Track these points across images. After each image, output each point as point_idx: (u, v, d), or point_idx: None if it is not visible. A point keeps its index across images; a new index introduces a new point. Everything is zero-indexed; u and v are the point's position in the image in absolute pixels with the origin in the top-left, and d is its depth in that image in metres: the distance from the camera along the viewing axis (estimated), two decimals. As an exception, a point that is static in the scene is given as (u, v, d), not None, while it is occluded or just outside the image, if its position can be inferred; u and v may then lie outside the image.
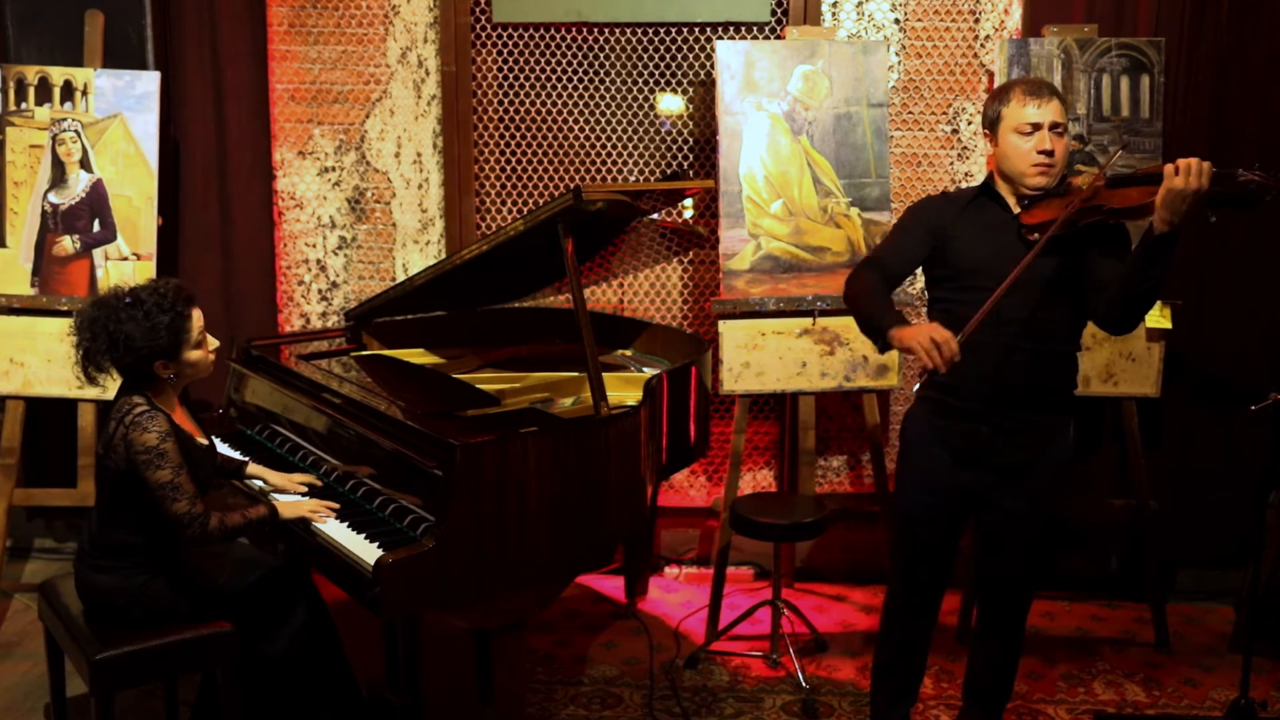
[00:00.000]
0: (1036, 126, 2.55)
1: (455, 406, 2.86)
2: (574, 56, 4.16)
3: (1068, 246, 2.53)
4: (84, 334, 2.57)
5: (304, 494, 2.81)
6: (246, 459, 2.99)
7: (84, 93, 3.91)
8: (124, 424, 2.53)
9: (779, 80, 3.75)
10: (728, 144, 3.73)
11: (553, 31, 4.14)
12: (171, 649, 2.60)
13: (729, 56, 3.74)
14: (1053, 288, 2.56)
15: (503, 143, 4.25)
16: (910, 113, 4.04)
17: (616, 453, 2.71)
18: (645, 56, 4.13)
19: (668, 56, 4.13)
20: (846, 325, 3.74)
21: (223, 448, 3.19)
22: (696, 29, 4.09)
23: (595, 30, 4.13)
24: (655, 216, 3.78)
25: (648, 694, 3.38)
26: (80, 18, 3.95)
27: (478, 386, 3.07)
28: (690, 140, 4.21)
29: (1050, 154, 2.55)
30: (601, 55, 4.16)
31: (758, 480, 4.34)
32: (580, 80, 4.18)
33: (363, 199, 4.21)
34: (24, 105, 3.91)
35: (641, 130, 4.20)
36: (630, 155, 4.22)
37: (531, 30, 4.13)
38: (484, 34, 4.15)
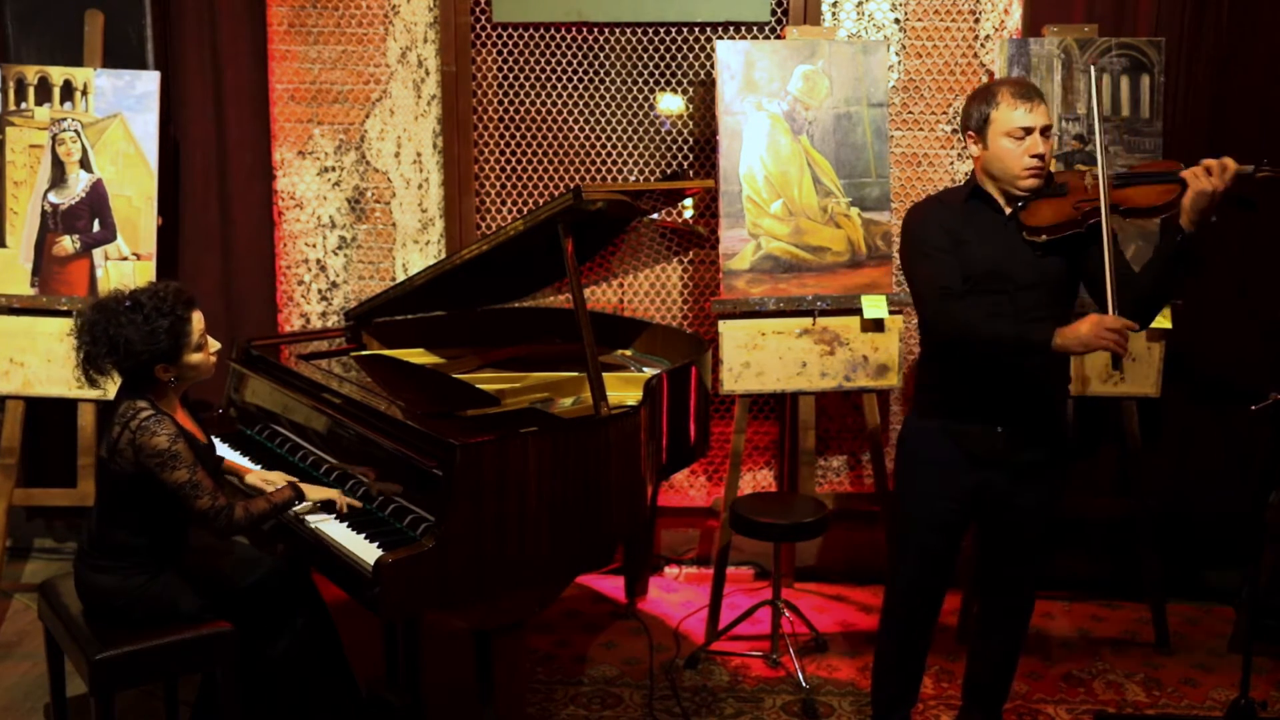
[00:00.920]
0: (1029, 131, 2.54)
1: (455, 406, 2.86)
2: (574, 56, 4.16)
3: (1069, 245, 2.54)
4: (84, 337, 2.57)
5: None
6: (221, 457, 2.97)
7: (84, 92, 3.91)
8: (130, 429, 2.53)
9: (779, 80, 3.75)
10: (728, 144, 3.73)
11: (553, 31, 4.14)
12: (171, 649, 2.60)
13: (729, 56, 3.74)
14: (1060, 286, 2.58)
15: (503, 143, 4.25)
16: (910, 112, 4.04)
17: (616, 453, 2.71)
18: (645, 56, 4.13)
19: (668, 56, 4.13)
20: (846, 325, 3.74)
21: (222, 448, 3.19)
22: (696, 29, 4.09)
23: (595, 30, 4.13)
24: (655, 216, 3.78)
25: (648, 694, 3.38)
26: (80, 17, 3.95)
27: (478, 386, 3.07)
28: (690, 140, 4.21)
29: (1041, 158, 2.55)
30: (601, 55, 4.16)
31: (758, 480, 4.34)
32: (580, 80, 4.18)
33: (363, 199, 4.21)
34: (24, 105, 3.91)
35: (641, 130, 4.20)
36: (630, 155, 4.21)
37: (531, 30, 4.13)
38: (484, 34, 4.15)
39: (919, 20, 4.00)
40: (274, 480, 2.82)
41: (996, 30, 3.96)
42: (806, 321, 3.74)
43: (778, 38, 4.01)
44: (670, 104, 4.22)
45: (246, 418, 3.37)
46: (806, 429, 3.90)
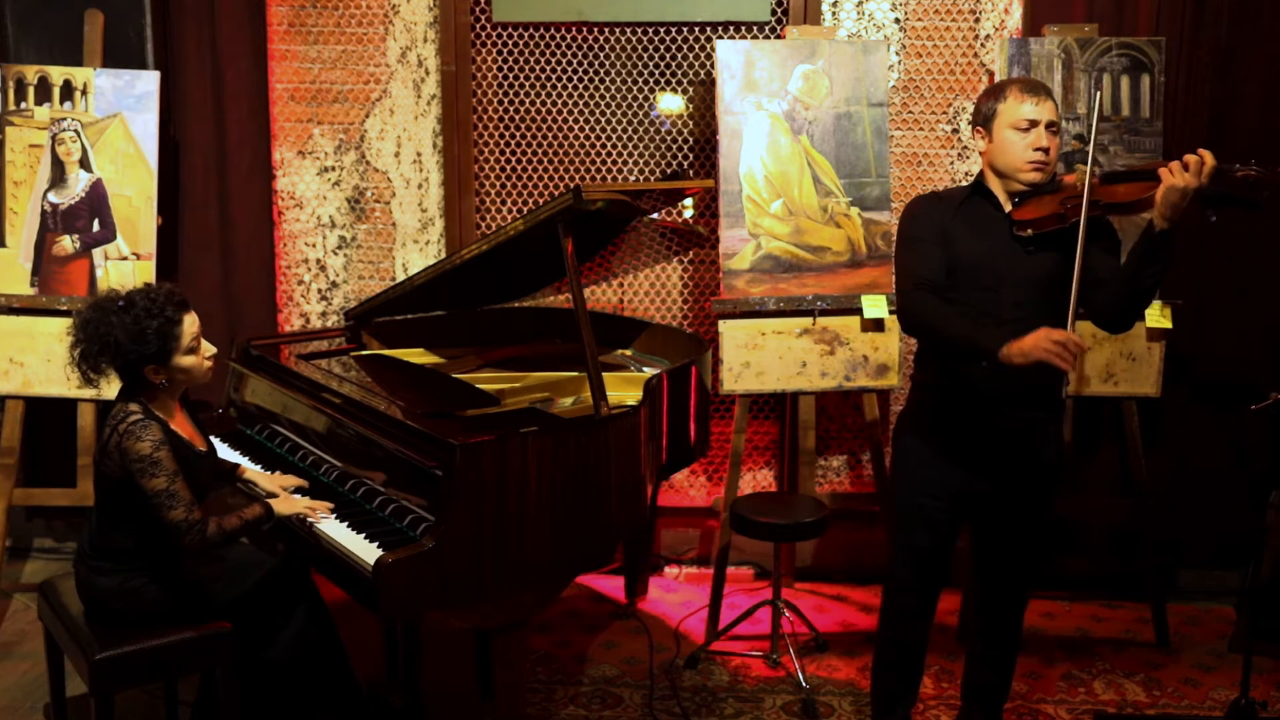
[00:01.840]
0: (1034, 123, 2.56)
1: (455, 406, 2.85)
2: (574, 56, 4.16)
3: (1062, 243, 2.54)
4: (78, 335, 2.57)
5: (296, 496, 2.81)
6: (238, 464, 2.98)
7: (83, 92, 3.90)
8: (118, 432, 2.53)
9: (779, 80, 3.75)
10: (728, 143, 3.73)
11: (553, 31, 4.14)
12: (171, 649, 2.60)
13: (729, 56, 3.74)
14: (1049, 285, 2.57)
15: (503, 142, 4.25)
16: (910, 112, 4.04)
17: (616, 452, 2.71)
18: (645, 56, 4.13)
19: (668, 56, 4.12)
20: (846, 325, 3.74)
21: (222, 448, 3.19)
22: (696, 28, 4.09)
23: (595, 30, 4.13)
24: (655, 216, 3.78)
25: (648, 694, 3.37)
26: (80, 17, 3.95)
27: (478, 386, 3.07)
28: (690, 140, 4.21)
29: (1046, 151, 2.56)
30: (601, 55, 4.16)
31: (758, 480, 4.34)
32: (580, 80, 4.18)
33: (362, 199, 4.21)
34: (23, 105, 3.91)
35: (641, 130, 4.20)
36: (630, 155, 4.21)
37: (531, 30, 4.13)
38: (484, 33, 4.15)
39: (919, 20, 4.00)
40: (287, 484, 2.83)
41: (996, 30, 3.96)
42: (806, 321, 3.74)
43: (778, 37, 4.01)
44: (670, 104, 4.22)
45: (246, 417, 3.37)
46: (806, 429, 3.90)
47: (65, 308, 3.85)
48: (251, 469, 2.96)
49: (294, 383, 3.15)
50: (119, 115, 3.90)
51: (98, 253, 3.91)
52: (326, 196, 4.21)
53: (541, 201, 4.13)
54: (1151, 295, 2.53)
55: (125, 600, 2.61)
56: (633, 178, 4.23)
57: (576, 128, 4.21)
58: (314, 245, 4.23)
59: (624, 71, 4.16)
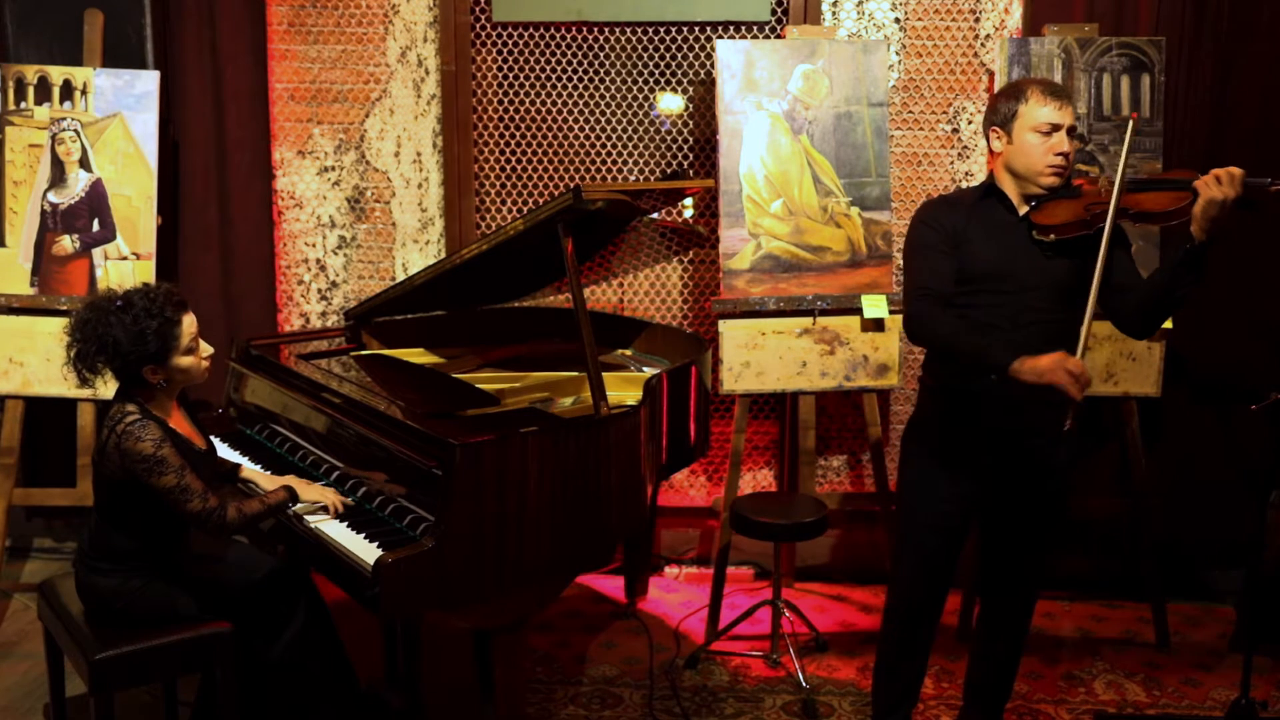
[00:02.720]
0: (1056, 127, 2.54)
1: (455, 406, 2.85)
2: (574, 56, 4.16)
3: (1079, 248, 2.54)
4: (75, 335, 2.57)
5: None
6: (239, 464, 2.98)
7: (83, 92, 3.90)
8: (116, 433, 2.52)
9: (779, 79, 3.75)
10: (728, 143, 3.73)
11: (552, 31, 4.14)
12: (171, 649, 2.60)
13: (729, 56, 3.74)
14: (1065, 289, 2.56)
15: (503, 142, 4.25)
16: (910, 112, 4.04)
17: (616, 452, 2.71)
18: (645, 56, 4.13)
19: (668, 56, 4.12)
20: (846, 325, 3.74)
21: (222, 448, 3.19)
22: (696, 28, 4.09)
23: (595, 29, 4.13)
24: (655, 216, 3.78)
25: (648, 694, 3.37)
26: (80, 17, 3.95)
27: (477, 386, 3.07)
28: (690, 140, 4.21)
29: (1065, 156, 2.55)
30: (601, 55, 4.15)
31: (758, 480, 4.34)
32: (580, 80, 4.18)
33: (362, 198, 4.21)
34: (23, 104, 3.91)
35: (641, 130, 4.20)
36: (630, 155, 4.21)
37: (531, 29, 4.13)
38: (484, 33, 4.15)
39: (919, 20, 4.00)
40: (300, 485, 2.82)
41: (997, 30, 3.96)
42: (807, 321, 3.74)
43: (778, 37, 4.01)
44: (670, 103, 4.22)
45: (246, 417, 3.37)
46: (806, 429, 3.90)
47: (65, 308, 3.85)
48: (251, 469, 2.95)
49: (294, 382, 3.15)
50: (119, 115, 3.90)
51: (97, 252, 3.91)
52: (326, 196, 4.20)
53: (541, 201, 4.13)
54: (1182, 304, 2.53)
55: (125, 600, 2.61)
56: (633, 178, 4.22)
57: (576, 128, 4.21)
58: (314, 245, 4.23)
59: (624, 71, 4.16)
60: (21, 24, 4.09)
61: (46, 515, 4.43)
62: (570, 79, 4.17)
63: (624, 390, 3.12)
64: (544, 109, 4.21)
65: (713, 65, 3.88)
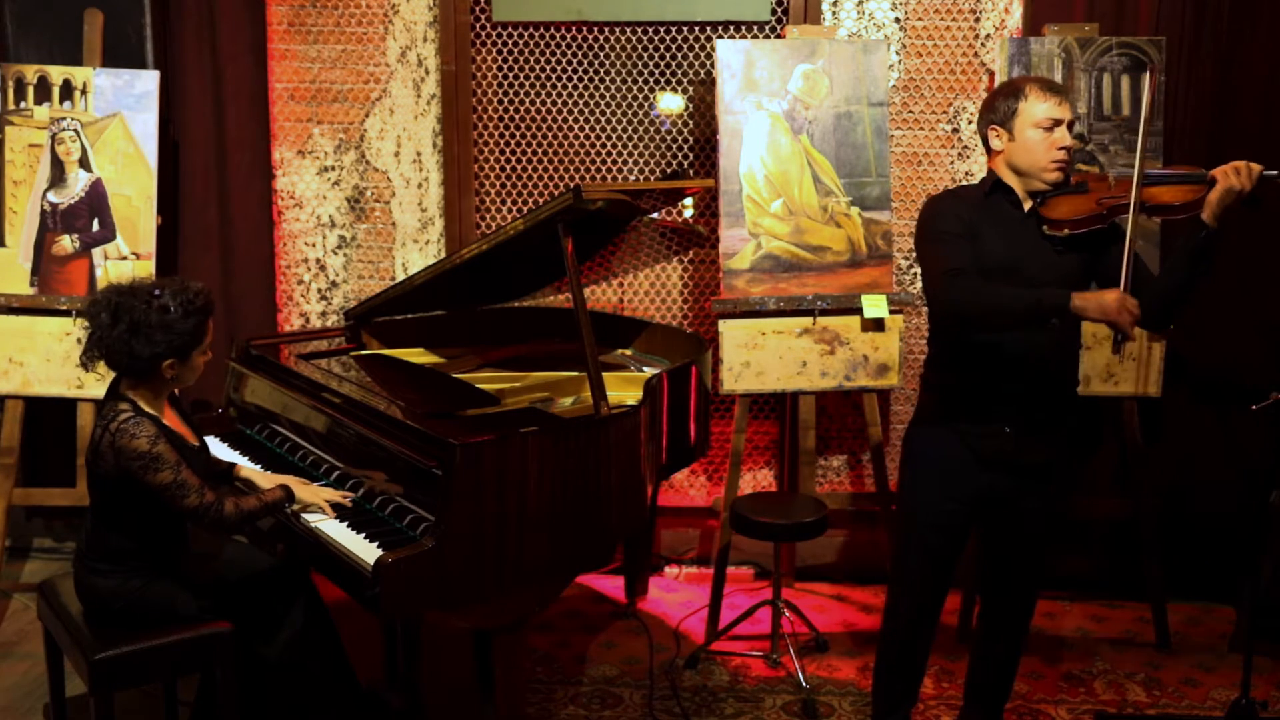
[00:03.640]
0: (1057, 122, 2.56)
1: (455, 406, 2.85)
2: (574, 56, 4.16)
3: (1090, 242, 2.54)
4: (103, 315, 2.54)
5: None
6: (234, 463, 2.97)
7: (83, 92, 3.90)
8: (110, 432, 2.52)
9: (779, 79, 3.75)
10: (728, 143, 3.73)
11: (553, 30, 4.13)
12: (171, 649, 2.60)
13: (729, 55, 3.73)
14: (1076, 284, 2.56)
15: (503, 142, 4.25)
16: (911, 112, 4.04)
17: (616, 452, 2.71)
18: (645, 56, 4.13)
19: (668, 56, 4.12)
20: (847, 324, 3.74)
21: (222, 448, 3.19)
22: (696, 28, 4.09)
23: (595, 29, 4.13)
24: (655, 216, 3.77)
25: (648, 694, 3.37)
26: (79, 17, 3.95)
27: (477, 386, 3.07)
28: (690, 139, 4.21)
29: (1067, 150, 2.56)
30: (601, 54, 4.15)
31: (758, 480, 4.34)
32: (580, 79, 4.17)
33: (362, 198, 4.21)
34: (23, 104, 3.90)
35: (641, 129, 4.20)
36: (630, 154, 4.21)
37: (531, 29, 4.13)
38: (484, 33, 4.15)
39: (919, 19, 3.99)
40: (296, 484, 2.82)
41: (997, 29, 3.96)
42: (807, 321, 3.74)
43: (778, 37, 4.00)
44: (670, 103, 4.22)
45: (246, 417, 3.37)
46: (806, 429, 3.90)
47: (65, 308, 3.85)
48: (248, 468, 2.95)
49: (294, 382, 3.15)
50: (119, 115, 3.90)
51: (97, 252, 3.90)
52: (326, 196, 4.20)
53: (541, 201, 4.13)
54: (1191, 295, 2.55)
55: (125, 601, 2.61)
56: (633, 177, 4.22)
57: (576, 128, 4.21)
58: (314, 245, 4.23)
59: (624, 71, 4.16)
60: (21, 24, 4.09)
61: (46, 515, 4.43)
62: (570, 79, 4.17)
63: (624, 390, 3.12)
64: (544, 109, 4.21)
65: (713, 65, 3.88)
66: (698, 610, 3.94)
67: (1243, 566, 3.89)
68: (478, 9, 4.11)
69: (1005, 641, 2.89)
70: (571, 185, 2.79)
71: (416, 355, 3.59)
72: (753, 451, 4.31)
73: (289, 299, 4.25)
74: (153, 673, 2.69)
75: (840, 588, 4.19)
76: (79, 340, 3.81)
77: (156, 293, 2.55)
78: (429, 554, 2.38)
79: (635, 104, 4.17)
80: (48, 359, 3.87)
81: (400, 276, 4.18)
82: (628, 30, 4.11)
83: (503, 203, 4.30)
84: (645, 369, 3.49)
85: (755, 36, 4.06)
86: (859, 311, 3.73)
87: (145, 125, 3.90)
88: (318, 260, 4.23)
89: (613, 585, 4.15)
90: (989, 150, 2.66)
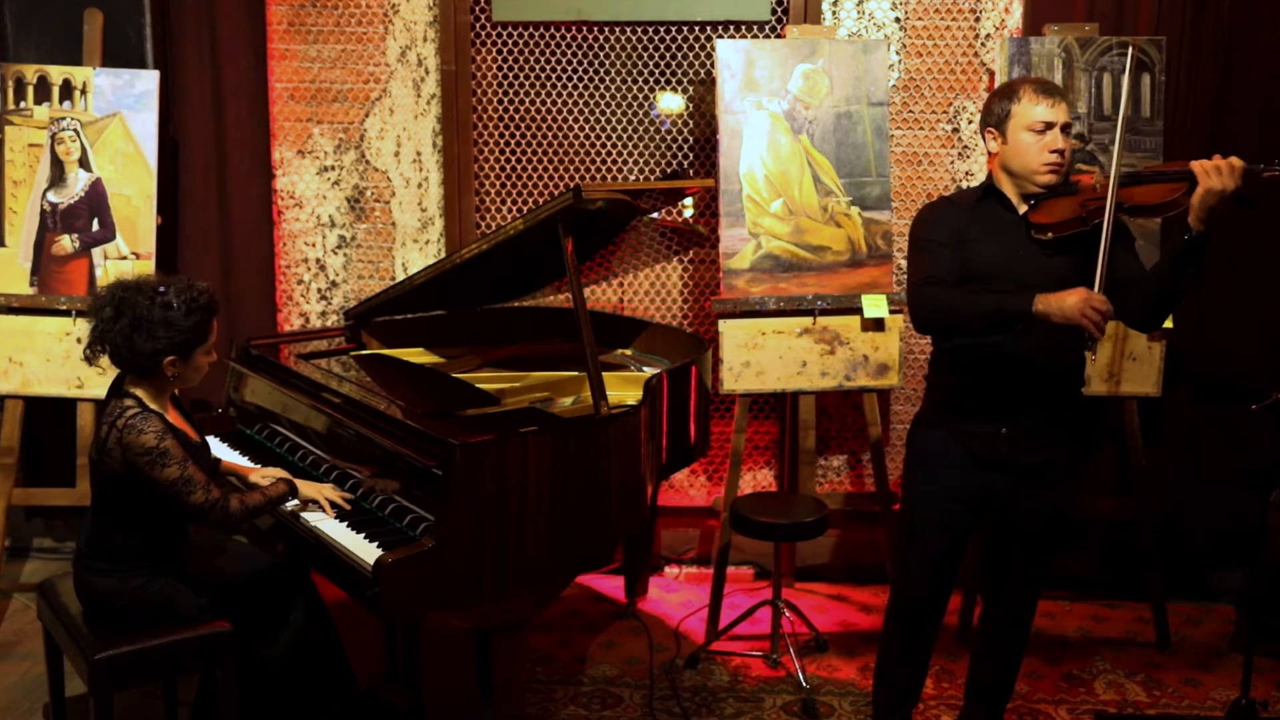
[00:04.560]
0: (1049, 125, 2.55)
1: (455, 406, 2.85)
2: (574, 55, 4.16)
3: (1080, 245, 2.53)
4: (107, 309, 2.55)
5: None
6: (218, 459, 2.96)
7: (83, 92, 3.90)
8: (117, 428, 2.52)
9: (779, 79, 3.74)
10: (728, 143, 3.73)
11: (552, 30, 4.13)
12: (171, 649, 2.60)
13: (729, 55, 3.73)
14: (1065, 288, 2.55)
15: (503, 142, 4.25)
16: (911, 111, 4.04)
17: (617, 452, 2.71)
18: (645, 55, 4.13)
19: (668, 55, 4.12)
20: (847, 324, 3.74)
21: (221, 447, 3.19)
22: (696, 28, 4.09)
23: (595, 29, 4.12)
24: (655, 215, 3.77)
25: (648, 694, 3.37)
26: (79, 16, 3.95)
27: (477, 386, 3.07)
28: (690, 139, 4.21)
29: (1061, 153, 2.55)
30: (601, 54, 4.15)
31: (758, 480, 4.33)
32: (580, 79, 4.17)
33: (362, 198, 4.21)
34: (23, 104, 3.90)
35: (641, 129, 4.20)
36: (630, 154, 4.21)
37: (531, 29, 4.13)
38: (484, 33, 4.14)
39: (919, 19, 3.99)
40: (273, 476, 2.82)
41: (997, 29, 3.96)
42: (807, 321, 3.74)
43: (778, 37, 4.00)
44: (670, 103, 4.22)
45: (246, 417, 3.37)
46: (807, 428, 3.90)
47: (64, 308, 3.85)
48: (232, 462, 2.95)
49: (293, 382, 3.15)
50: (118, 114, 3.90)
51: (97, 252, 3.90)
52: (326, 196, 4.20)
53: (541, 201, 4.13)
54: (1183, 296, 2.52)
55: (124, 600, 2.61)
56: (633, 177, 4.22)
57: (576, 127, 4.21)
58: (314, 245, 4.23)
59: (624, 71, 4.16)
60: (21, 24, 4.09)
61: (46, 515, 4.42)
62: (570, 79, 4.17)
63: (624, 390, 3.12)
64: (544, 109, 4.21)
65: (713, 65, 3.88)
66: (698, 610, 3.94)
67: (1243, 566, 3.89)
68: (478, 9, 4.11)
69: (1006, 642, 2.89)
70: (571, 185, 2.78)
71: (416, 355, 3.59)
72: (753, 451, 4.31)
73: (289, 299, 4.25)
74: (153, 673, 2.69)
75: (840, 588, 4.19)
76: (79, 340, 3.82)
77: (161, 290, 2.56)
78: (429, 554, 2.38)
79: (635, 104, 4.17)
80: (47, 359, 3.87)
81: (400, 276, 4.18)
82: (628, 30, 4.11)
83: (503, 203, 4.30)
84: (645, 369, 3.49)
85: (755, 36, 4.06)
86: (859, 311, 3.73)
87: (145, 125, 3.90)
88: (318, 260, 4.23)
89: (613, 585, 4.15)
90: (989, 152, 2.66)
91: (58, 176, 3.90)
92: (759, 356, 3.74)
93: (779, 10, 4.06)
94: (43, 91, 3.90)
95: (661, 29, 4.10)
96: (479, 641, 2.64)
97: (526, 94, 4.20)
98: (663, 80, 4.16)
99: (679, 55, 4.13)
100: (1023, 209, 2.62)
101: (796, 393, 3.83)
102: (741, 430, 3.80)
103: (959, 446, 2.67)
